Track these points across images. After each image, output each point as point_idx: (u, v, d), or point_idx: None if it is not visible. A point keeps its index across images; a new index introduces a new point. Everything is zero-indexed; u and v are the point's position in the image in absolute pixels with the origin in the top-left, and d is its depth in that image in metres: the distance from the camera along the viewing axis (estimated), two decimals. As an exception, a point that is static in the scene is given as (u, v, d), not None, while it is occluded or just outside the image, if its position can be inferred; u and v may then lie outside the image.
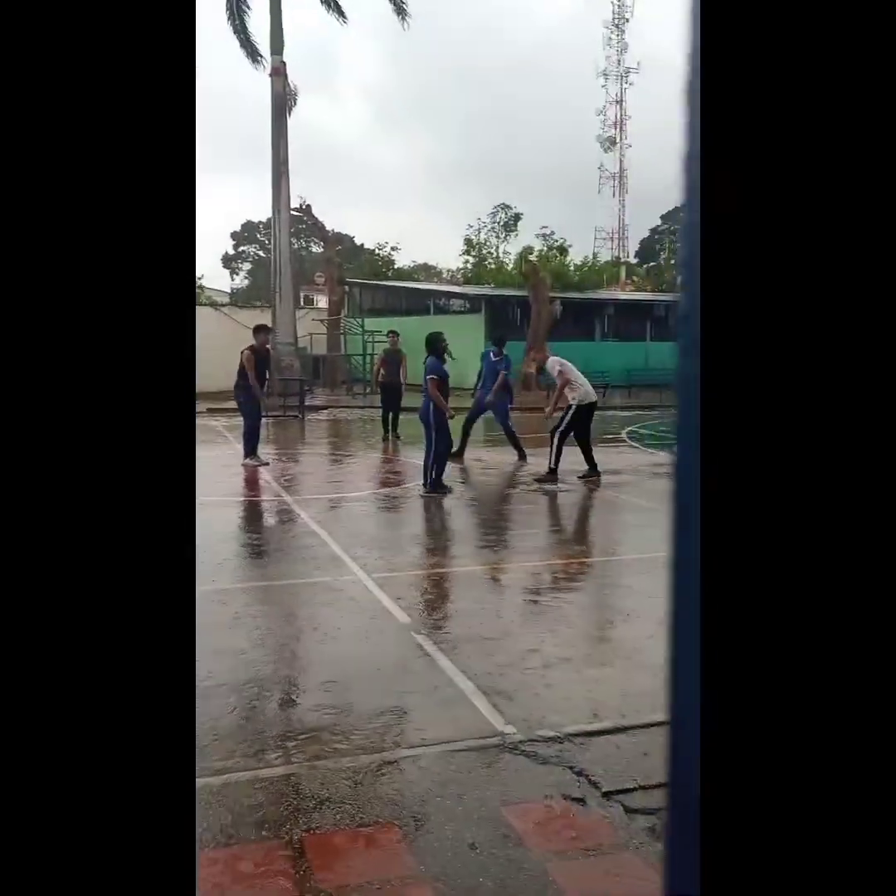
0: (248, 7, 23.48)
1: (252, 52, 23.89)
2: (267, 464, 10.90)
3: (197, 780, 3.02)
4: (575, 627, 4.87)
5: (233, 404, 18.89)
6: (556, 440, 9.48)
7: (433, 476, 8.73)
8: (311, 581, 5.75)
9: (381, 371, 14.01)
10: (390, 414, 13.62)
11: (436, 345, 8.77)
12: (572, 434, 9.52)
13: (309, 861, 2.56)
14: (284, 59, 23.39)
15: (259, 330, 11.18)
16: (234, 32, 23.62)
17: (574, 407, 9.51)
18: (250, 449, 10.93)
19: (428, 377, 8.57)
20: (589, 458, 9.70)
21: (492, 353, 11.44)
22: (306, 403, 18.66)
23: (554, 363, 9.74)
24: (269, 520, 8.05)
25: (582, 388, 9.55)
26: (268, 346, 11.36)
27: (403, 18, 23.74)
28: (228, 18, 23.36)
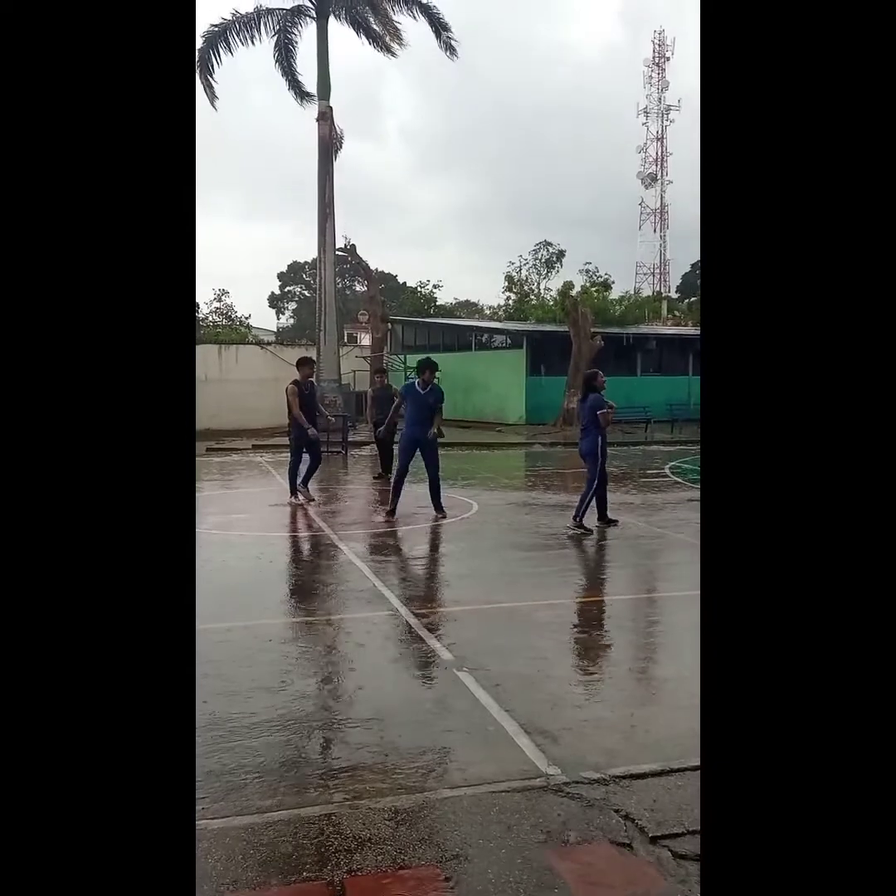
0: (295, 49, 24.27)
1: (300, 93, 24.61)
2: (313, 500, 10.92)
3: (238, 818, 3.01)
4: (620, 666, 4.78)
5: (276, 440, 19.11)
6: None
7: (583, 514, 8.71)
8: (353, 617, 5.74)
9: (373, 411, 13.79)
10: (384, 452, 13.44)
11: (593, 382, 8.87)
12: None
13: (350, 903, 2.52)
14: (331, 105, 24.02)
15: (302, 363, 11.09)
16: (283, 74, 24.38)
17: None
18: (303, 483, 10.88)
19: (599, 412, 8.63)
20: None
21: (417, 384, 9.62)
22: (349, 439, 18.82)
23: None
24: (311, 555, 8.08)
25: None
26: (311, 379, 11.27)
27: (453, 55, 24.09)
28: (276, 59, 24.12)
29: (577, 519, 8.68)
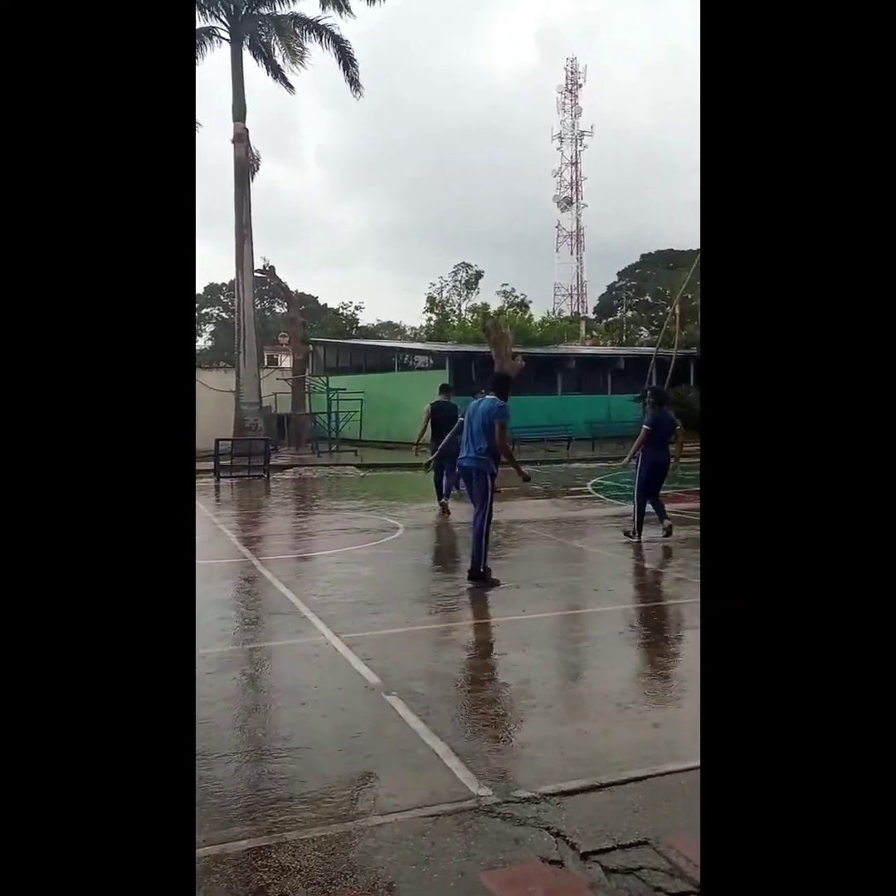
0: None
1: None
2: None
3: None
4: (548, 684, 4.82)
5: (198, 465, 18.71)
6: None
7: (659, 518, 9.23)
8: (277, 644, 5.64)
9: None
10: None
11: (670, 397, 9.30)
12: None
13: (280, 939, 2.46)
14: (247, 126, 23.84)
15: (443, 389, 12.41)
16: None
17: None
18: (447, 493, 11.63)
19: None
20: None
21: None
22: (271, 463, 18.55)
23: None
24: (234, 581, 7.91)
25: None
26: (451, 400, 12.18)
27: (357, 90, 24.39)
28: None
29: (663, 522, 9.15)
